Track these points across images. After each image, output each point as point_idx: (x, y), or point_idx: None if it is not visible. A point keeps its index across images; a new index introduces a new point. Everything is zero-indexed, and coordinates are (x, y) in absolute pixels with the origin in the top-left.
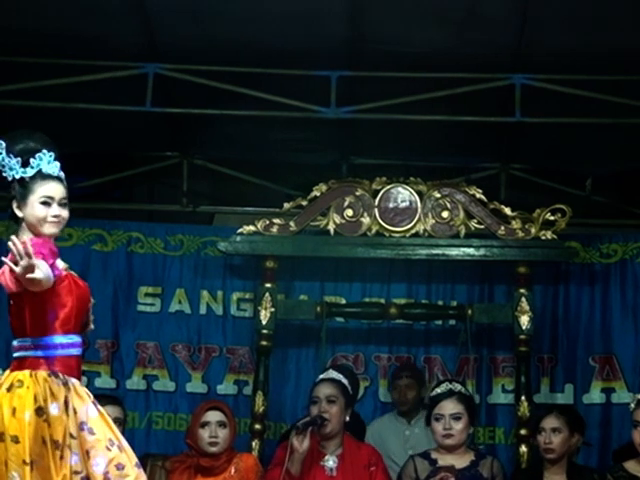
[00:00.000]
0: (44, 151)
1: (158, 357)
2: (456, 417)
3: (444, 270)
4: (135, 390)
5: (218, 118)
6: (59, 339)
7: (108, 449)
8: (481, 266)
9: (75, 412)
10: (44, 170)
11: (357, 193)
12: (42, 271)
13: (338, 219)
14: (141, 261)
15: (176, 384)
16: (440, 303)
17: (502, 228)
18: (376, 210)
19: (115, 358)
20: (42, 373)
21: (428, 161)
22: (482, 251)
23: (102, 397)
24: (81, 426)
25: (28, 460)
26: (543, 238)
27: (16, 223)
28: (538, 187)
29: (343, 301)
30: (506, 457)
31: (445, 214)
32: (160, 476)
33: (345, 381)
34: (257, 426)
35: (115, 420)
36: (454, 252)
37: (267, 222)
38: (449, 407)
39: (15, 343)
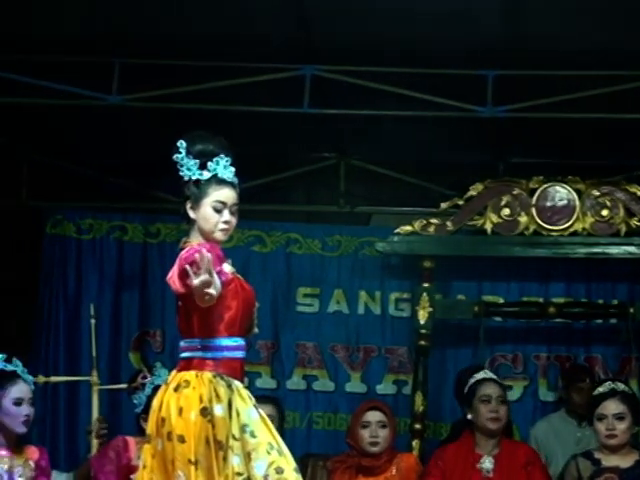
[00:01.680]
0: (222, 155)
1: (317, 357)
2: (619, 417)
3: (604, 268)
4: (295, 390)
5: (374, 118)
6: (225, 341)
7: (268, 452)
8: None
9: (238, 414)
10: (220, 174)
11: (514, 192)
12: (216, 289)
13: (495, 218)
14: (299, 262)
15: (335, 384)
16: (600, 302)
17: None
18: (533, 209)
19: (275, 359)
20: (207, 374)
21: (585, 160)
22: None
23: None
24: (243, 428)
25: (193, 459)
26: None
27: (188, 223)
28: None
29: (501, 300)
30: None
31: (605, 212)
32: (321, 476)
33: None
34: (417, 426)
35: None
36: (614, 250)
37: (424, 222)
38: (612, 407)
39: (182, 344)
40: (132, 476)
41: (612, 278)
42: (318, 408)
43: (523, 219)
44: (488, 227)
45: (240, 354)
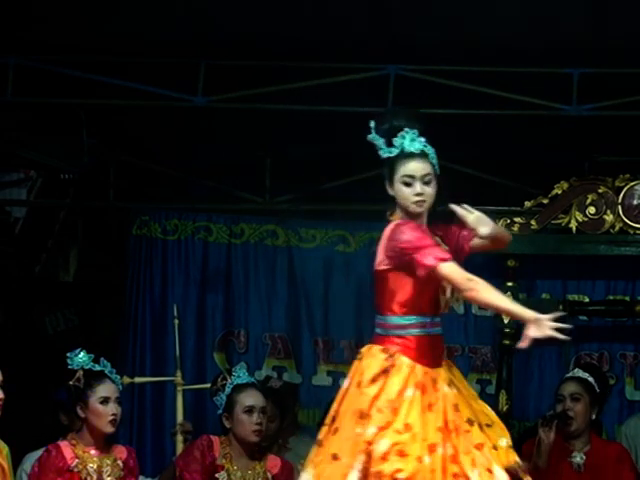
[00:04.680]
0: (406, 129)
1: None
2: None
3: None
4: None
5: (457, 117)
6: None
7: (399, 432)
8: None
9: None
10: (406, 148)
11: (599, 190)
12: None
13: (580, 217)
14: None
15: None
16: None
17: None
18: (619, 207)
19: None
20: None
21: None
22: None
23: None
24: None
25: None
26: None
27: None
28: None
29: (586, 299)
30: None
31: None
32: None
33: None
34: None
35: None
36: None
37: (508, 221)
38: None
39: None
40: (217, 475)
41: None
42: None
43: (609, 217)
44: (573, 226)
45: None
